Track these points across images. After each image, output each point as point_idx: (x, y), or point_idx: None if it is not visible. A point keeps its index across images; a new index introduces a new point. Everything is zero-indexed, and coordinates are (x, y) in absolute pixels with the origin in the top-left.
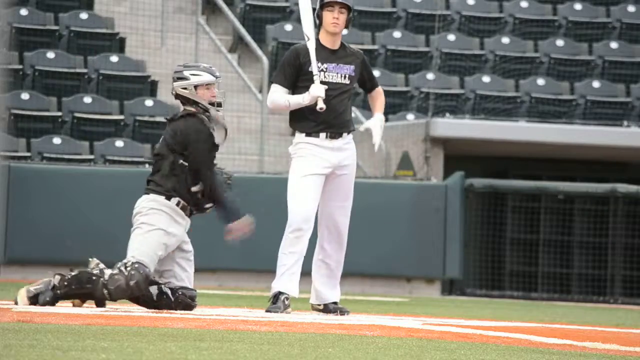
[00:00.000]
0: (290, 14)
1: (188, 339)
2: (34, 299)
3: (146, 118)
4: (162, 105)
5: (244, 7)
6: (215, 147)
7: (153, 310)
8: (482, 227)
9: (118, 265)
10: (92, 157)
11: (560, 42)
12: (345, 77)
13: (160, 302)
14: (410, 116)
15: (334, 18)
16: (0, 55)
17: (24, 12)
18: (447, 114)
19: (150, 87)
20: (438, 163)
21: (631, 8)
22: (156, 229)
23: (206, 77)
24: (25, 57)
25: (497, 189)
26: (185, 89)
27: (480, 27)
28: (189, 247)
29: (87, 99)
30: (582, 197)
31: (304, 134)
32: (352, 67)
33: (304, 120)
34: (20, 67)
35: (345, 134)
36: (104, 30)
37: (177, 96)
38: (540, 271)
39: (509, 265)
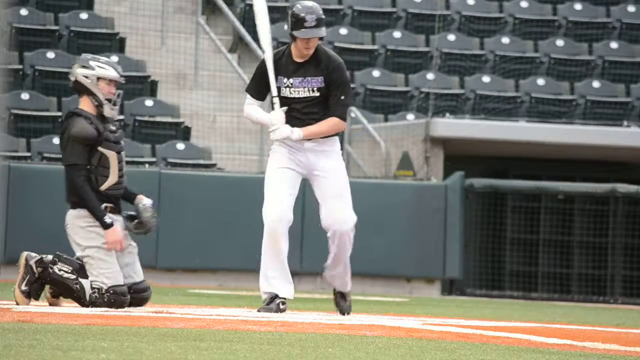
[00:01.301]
0: None
1: (188, 339)
2: (29, 295)
3: (146, 118)
4: (162, 105)
5: (244, 7)
6: (89, 146)
7: (153, 310)
8: (482, 227)
9: (94, 292)
10: None
11: (560, 42)
12: (313, 90)
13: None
14: (410, 116)
15: (306, 47)
16: (0, 55)
17: (24, 12)
18: (447, 114)
19: (150, 87)
20: (438, 163)
21: (631, 8)
22: (98, 248)
23: (111, 73)
24: (25, 57)
25: (497, 189)
26: (87, 77)
27: (480, 27)
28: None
29: None
30: (582, 197)
31: None
32: (321, 78)
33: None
34: (20, 67)
35: (320, 139)
36: (104, 30)
37: (76, 82)
38: (540, 271)
39: (509, 265)
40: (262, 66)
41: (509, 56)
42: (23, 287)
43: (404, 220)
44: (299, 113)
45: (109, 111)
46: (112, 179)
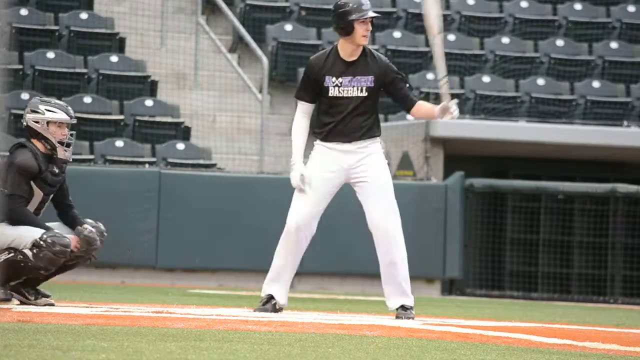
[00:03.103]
0: (290, 14)
1: (188, 339)
2: (7, 296)
3: (146, 118)
4: (162, 105)
5: (244, 7)
6: (29, 179)
7: (153, 310)
8: (482, 227)
9: (33, 249)
10: (92, 157)
11: (560, 42)
12: (362, 89)
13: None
14: (410, 116)
15: (366, 30)
16: (0, 55)
17: (24, 12)
18: None
19: (150, 87)
20: (438, 163)
21: (631, 8)
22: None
23: (61, 116)
24: (25, 57)
25: (497, 189)
26: (37, 122)
27: (480, 27)
28: None
29: (87, 99)
30: (582, 197)
31: (318, 139)
32: (371, 77)
33: (320, 127)
34: (20, 67)
35: (363, 139)
36: (104, 30)
37: (27, 127)
38: (540, 271)
39: (509, 265)
40: (307, 69)
41: (509, 56)
42: None
43: (404, 220)
44: (346, 114)
45: (62, 153)
46: None
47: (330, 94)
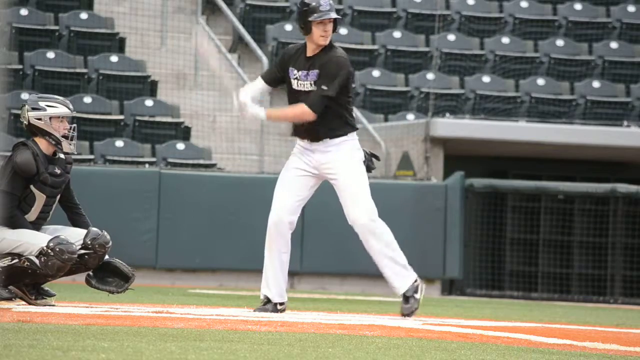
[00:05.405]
0: (290, 14)
1: (188, 339)
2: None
3: (146, 118)
4: (162, 105)
5: (244, 7)
6: (25, 179)
7: (153, 310)
8: (482, 227)
9: (40, 257)
10: (92, 157)
11: (560, 42)
12: (312, 83)
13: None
14: (410, 116)
15: (324, 31)
16: (0, 55)
17: (24, 12)
18: (447, 114)
19: (150, 87)
20: (438, 163)
21: (631, 8)
22: (10, 231)
23: (62, 110)
24: (25, 57)
25: (497, 189)
26: (39, 119)
27: (480, 27)
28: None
29: (87, 99)
30: (582, 197)
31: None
32: (317, 71)
33: (293, 124)
34: (20, 67)
35: (327, 139)
36: (104, 30)
37: (29, 126)
38: (540, 271)
39: (509, 265)
40: (280, 55)
41: (509, 56)
42: None
43: (404, 220)
44: None
45: (67, 147)
46: (31, 216)
47: (292, 86)
